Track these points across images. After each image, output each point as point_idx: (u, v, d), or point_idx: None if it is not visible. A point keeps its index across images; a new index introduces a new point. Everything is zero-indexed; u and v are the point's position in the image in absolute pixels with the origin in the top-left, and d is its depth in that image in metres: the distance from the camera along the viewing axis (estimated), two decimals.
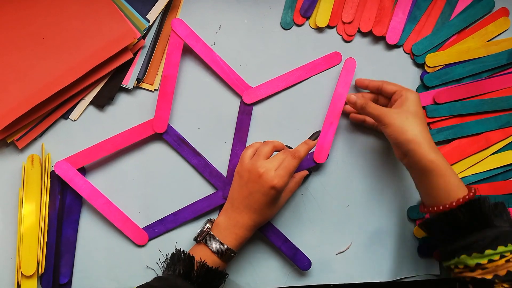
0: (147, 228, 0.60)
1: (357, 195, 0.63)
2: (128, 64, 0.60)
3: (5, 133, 0.58)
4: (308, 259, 0.60)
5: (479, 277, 0.47)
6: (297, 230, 0.62)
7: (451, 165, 0.62)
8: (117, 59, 0.59)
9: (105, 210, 0.58)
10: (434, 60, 0.62)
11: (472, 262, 0.48)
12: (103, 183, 0.60)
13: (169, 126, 0.60)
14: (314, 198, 0.62)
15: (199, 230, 0.55)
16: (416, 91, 0.63)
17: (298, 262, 0.60)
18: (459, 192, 0.50)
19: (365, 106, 0.55)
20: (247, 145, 0.61)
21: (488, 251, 0.47)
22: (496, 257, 0.47)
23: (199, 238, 0.54)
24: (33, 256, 0.56)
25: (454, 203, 0.49)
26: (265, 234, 0.60)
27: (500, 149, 0.62)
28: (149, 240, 0.60)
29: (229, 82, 0.61)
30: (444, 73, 0.62)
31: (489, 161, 0.63)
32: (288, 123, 0.62)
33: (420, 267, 0.62)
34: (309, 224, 0.62)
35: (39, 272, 0.56)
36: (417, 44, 0.62)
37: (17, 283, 0.56)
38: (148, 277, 0.60)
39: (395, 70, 0.63)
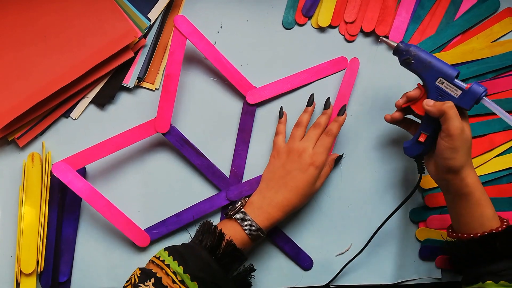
0: (149, 230, 0.60)
1: (359, 197, 0.62)
2: (129, 63, 0.60)
3: (6, 131, 0.58)
4: (310, 258, 0.60)
5: None
6: (298, 231, 0.61)
7: None
8: (118, 58, 0.58)
9: (105, 212, 0.58)
10: None
11: None
12: (104, 183, 0.60)
13: (172, 126, 0.59)
14: (314, 200, 0.62)
15: (231, 206, 0.54)
16: None
17: (301, 261, 0.60)
18: (493, 223, 0.50)
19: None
20: (250, 146, 0.61)
21: None
22: None
23: (231, 213, 0.53)
24: (32, 254, 0.56)
25: (493, 230, 0.49)
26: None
27: (504, 151, 0.61)
28: (151, 242, 0.60)
29: (232, 82, 0.60)
30: None
31: (493, 163, 0.62)
32: (293, 124, 0.62)
33: (422, 270, 0.62)
34: (310, 225, 0.62)
35: (39, 270, 0.56)
36: (420, 44, 0.61)
37: (17, 281, 0.56)
38: None
39: (398, 70, 0.62)
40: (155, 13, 0.60)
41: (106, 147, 0.58)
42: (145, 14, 0.60)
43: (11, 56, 0.58)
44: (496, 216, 0.50)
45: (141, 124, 0.59)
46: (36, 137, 0.60)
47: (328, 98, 0.58)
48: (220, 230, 0.51)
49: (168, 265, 0.47)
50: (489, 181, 0.62)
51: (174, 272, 0.47)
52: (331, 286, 0.61)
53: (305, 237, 0.61)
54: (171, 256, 0.48)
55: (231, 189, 0.59)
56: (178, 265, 0.47)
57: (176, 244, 0.52)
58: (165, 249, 0.50)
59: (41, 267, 0.56)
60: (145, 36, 0.60)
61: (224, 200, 0.60)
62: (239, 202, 0.54)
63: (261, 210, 0.53)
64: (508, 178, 0.62)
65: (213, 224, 0.52)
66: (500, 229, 0.49)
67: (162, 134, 0.59)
